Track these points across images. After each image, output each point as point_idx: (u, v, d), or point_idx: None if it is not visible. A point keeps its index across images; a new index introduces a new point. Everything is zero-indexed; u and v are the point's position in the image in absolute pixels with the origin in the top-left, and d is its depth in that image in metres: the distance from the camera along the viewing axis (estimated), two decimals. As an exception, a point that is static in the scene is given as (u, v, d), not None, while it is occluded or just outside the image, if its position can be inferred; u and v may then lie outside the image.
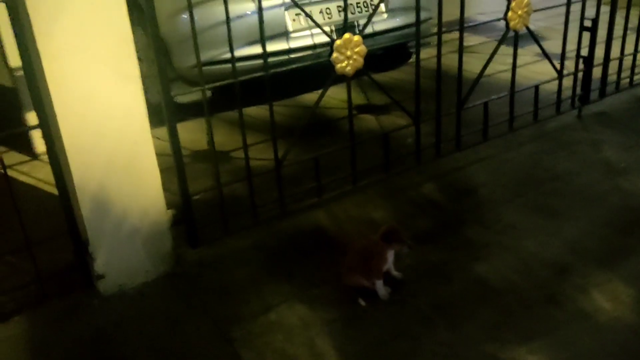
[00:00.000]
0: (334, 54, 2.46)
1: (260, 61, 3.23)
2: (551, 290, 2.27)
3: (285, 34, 3.51)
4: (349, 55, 2.48)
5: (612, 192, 2.85)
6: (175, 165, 2.27)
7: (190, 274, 2.40)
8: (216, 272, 2.42)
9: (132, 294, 2.29)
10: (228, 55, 3.28)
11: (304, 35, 3.60)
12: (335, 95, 4.05)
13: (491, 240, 2.56)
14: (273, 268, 2.44)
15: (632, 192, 2.83)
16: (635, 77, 3.75)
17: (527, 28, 2.98)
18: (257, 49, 3.45)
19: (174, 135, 2.22)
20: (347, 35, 2.46)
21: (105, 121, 2.03)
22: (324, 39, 3.61)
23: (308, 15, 2.57)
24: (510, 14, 2.87)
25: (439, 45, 2.81)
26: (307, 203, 2.73)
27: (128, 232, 2.21)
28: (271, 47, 3.31)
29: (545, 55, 3.16)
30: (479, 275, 2.36)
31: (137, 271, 2.29)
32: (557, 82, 3.33)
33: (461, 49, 2.89)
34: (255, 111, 3.64)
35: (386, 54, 4.61)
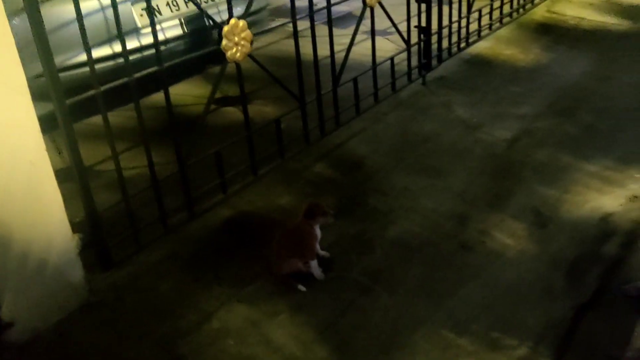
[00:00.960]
0: (224, 42, 2.37)
1: (109, 63, 3.02)
2: (461, 238, 2.48)
3: (135, 31, 3.26)
4: (237, 41, 2.41)
5: (475, 144, 3.18)
6: (79, 182, 2.01)
7: (109, 300, 2.16)
8: (138, 292, 2.21)
9: (50, 336, 2.00)
10: (75, 61, 3.02)
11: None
12: (189, 92, 3.90)
13: (393, 205, 2.70)
14: (197, 274, 2.31)
15: (491, 142, 3.19)
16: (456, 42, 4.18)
17: (380, 4, 3.17)
18: (106, 51, 3.22)
19: (74, 149, 1.96)
20: (233, 21, 2.38)
21: (-4, 145, 1.73)
22: (175, 32, 3.44)
23: (196, 5, 2.45)
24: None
25: (313, 29, 2.84)
26: (213, 201, 2.61)
27: (35, 267, 1.91)
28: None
29: (396, 28, 3.39)
30: (396, 239, 2.49)
31: (50, 310, 2.00)
32: (395, 54, 3.57)
33: (331, 31, 2.94)
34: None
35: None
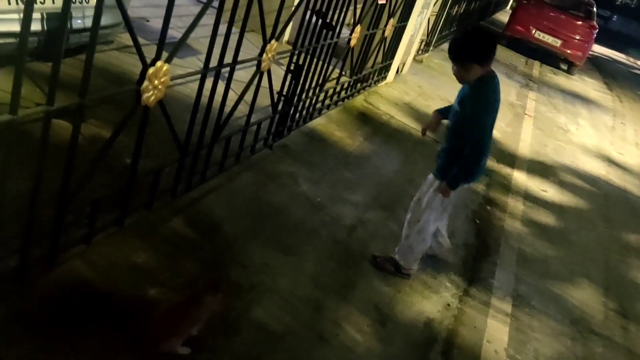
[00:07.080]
0: (145, 83, 2.11)
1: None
2: (318, 328, 2.59)
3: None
4: (156, 85, 2.17)
5: (321, 226, 3.33)
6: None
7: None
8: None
9: None
10: None
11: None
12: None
13: (254, 280, 2.68)
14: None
15: (334, 226, 3.38)
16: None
17: (269, 70, 3.17)
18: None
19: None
20: (159, 64, 2.14)
21: None
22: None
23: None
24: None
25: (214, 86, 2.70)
26: (71, 254, 2.25)
27: None
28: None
29: (271, 95, 3.41)
30: (260, 322, 2.48)
31: None
32: (263, 119, 3.59)
33: (227, 90, 2.82)
34: None
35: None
